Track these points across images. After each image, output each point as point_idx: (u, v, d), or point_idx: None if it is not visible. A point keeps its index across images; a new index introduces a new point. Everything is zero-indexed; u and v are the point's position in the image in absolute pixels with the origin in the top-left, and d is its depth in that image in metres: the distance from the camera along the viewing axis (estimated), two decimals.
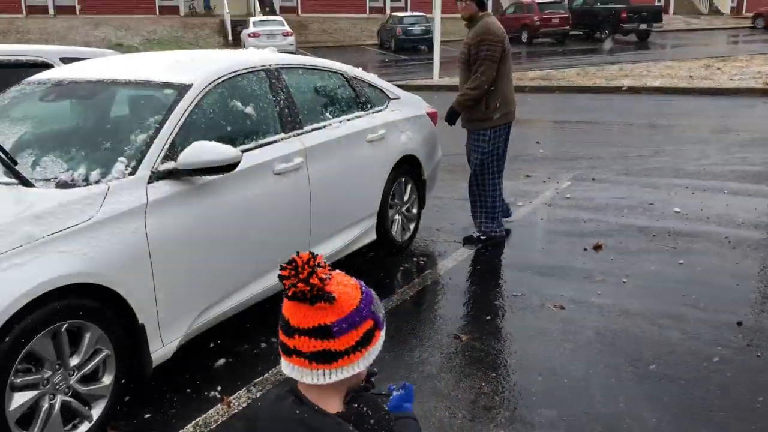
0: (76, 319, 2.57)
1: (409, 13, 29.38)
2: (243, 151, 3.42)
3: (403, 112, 4.98)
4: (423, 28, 27.40)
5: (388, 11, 36.65)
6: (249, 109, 3.60)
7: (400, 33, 27.68)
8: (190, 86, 3.32)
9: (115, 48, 27.66)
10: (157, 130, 3.08)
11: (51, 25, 30.59)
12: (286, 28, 25.51)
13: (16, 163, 2.86)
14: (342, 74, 4.54)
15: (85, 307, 2.59)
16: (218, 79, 3.50)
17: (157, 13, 35.43)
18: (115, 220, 2.75)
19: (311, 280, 1.21)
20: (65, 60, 6.20)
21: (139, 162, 2.96)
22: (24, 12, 33.63)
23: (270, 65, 3.91)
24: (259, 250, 3.49)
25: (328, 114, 4.21)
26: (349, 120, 4.36)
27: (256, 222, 3.45)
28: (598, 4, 30.68)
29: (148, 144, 3.02)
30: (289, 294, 1.23)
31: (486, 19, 4.94)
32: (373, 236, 4.64)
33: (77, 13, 34.10)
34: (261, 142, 3.59)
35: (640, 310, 3.88)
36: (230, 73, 3.60)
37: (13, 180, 2.81)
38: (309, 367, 1.24)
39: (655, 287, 4.21)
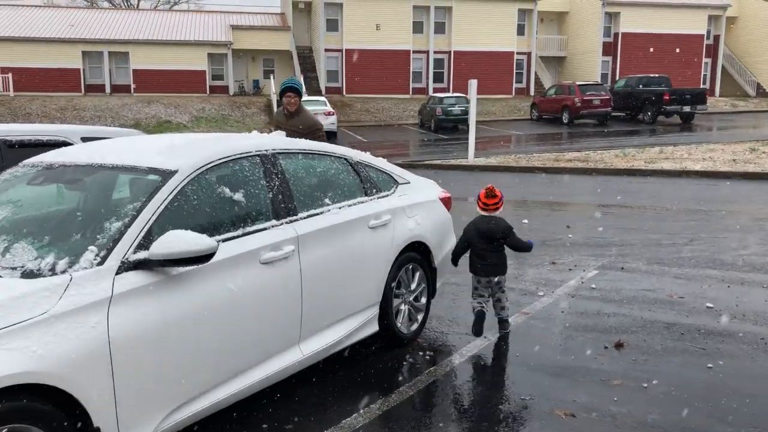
0: (17, 423, 2.38)
1: (448, 94, 29.80)
2: (226, 240, 3.29)
3: (412, 197, 4.81)
4: (462, 108, 27.77)
5: (430, 92, 37.30)
6: (238, 196, 3.47)
7: (440, 113, 28.07)
8: (175, 172, 3.23)
9: (164, 125, 28.76)
10: (134, 218, 2.96)
11: (105, 103, 32.09)
12: (328, 108, 26.10)
13: None
14: (346, 159, 4.42)
15: (29, 409, 2.40)
16: (207, 164, 3.40)
17: (208, 92, 36.95)
18: (74, 314, 2.59)
19: (496, 192, 4.87)
20: (86, 139, 6.28)
21: (109, 251, 2.83)
22: (83, 90, 35.50)
23: (266, 150, 3.81)
24: (241, 345, 3.29)
25: (326, 200, 4.06)
26: (350, 206, 4.20)
27: (238, 315, 3.25)
28: (641, 86, 30.66)
29: (122, 232, 2.90)
30: (487, 194, 4.86)
31: (307, 111, 6.28)
32: (374, 328, 4.39)
33: (131, 92, 35.82)
34: (249, 229, 3.44)
35: (660, 422, 3.50)
36: (221, 159, 3.50)
37: None
38: (493, 211, 4.85)
39: (678, 395, 3.82)
